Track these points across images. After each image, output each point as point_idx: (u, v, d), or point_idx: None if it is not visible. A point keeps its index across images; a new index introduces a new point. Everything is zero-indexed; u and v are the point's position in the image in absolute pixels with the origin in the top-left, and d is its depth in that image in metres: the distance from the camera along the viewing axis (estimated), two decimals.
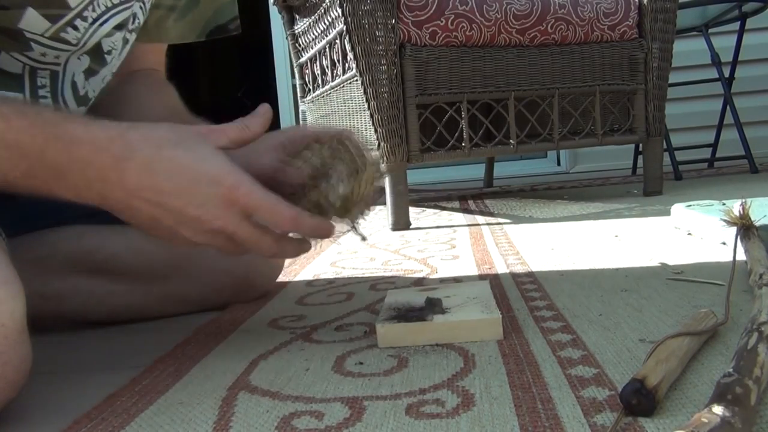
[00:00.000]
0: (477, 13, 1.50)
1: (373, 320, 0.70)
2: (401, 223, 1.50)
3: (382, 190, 0.65)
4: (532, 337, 0.62)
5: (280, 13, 2.07)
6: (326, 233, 0.60)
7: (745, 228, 0.83)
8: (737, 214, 0.85)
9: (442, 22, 1.47)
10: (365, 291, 0.88)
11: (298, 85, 2.18)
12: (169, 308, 0.82)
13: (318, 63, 1.87)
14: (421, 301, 0.68)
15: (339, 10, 1.44)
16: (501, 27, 1.53)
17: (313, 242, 0.64)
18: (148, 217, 0.56)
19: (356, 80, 1.49)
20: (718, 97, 2.42)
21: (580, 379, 0.51)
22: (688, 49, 2.48)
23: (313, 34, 1.85)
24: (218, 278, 0.83)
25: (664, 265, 0.88)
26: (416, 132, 1.48)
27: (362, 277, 0.98)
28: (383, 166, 0.63)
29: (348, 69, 1.57)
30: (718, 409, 0.38)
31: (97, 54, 0.69)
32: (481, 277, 0.91)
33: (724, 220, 0.87)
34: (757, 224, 0.83)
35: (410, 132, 1.47)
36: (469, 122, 1.53)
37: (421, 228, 1.50)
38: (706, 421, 0.37)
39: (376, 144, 1.48)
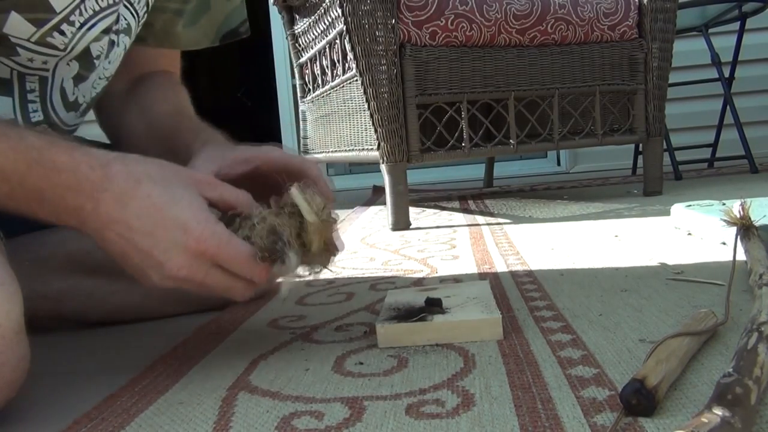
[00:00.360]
0: (477, 13, 1.50)
1: (373, 320, 0.70)
2: (401, 223, 1.50)
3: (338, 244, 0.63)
4: (532, 337, 0.62)
5: (280, 13, 2.07)
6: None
7: (745, 228, 0.83)
8: (737, 214, 0.85)
9: (442, 22, 1.47)
10: (365, 291, 0.88)
11: (298, 85, 2.18)
12: (169, 308, 0.82)
13: (318, 63, 1.87)
14: (421, 301, 0.68)
15: (339, 10, 1.44)
16: (501, 27, 1.53)
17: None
18: (119, 251, 0.55)
19: (356, 80, 1.49)
20: (718, 97, 2.42)
21: (580, 379, 0.51)
22: (688, 49, 2.48)
23: (313, 34, 1.85)
24: None
25: (663, 265, 0.88)
26: (416, 132, 1.48)
27: (362, 277, 0.98)
28: (334, 214, 0.61)
29: (348, 69, 1.57)
30: (718, 409, 0.38)
31: (86, 59, 0.68)
32: (481, 277, 0.91)
33: (724, 220, 0.87)
34: (757, 224, 0.83)
35: (410, 132, 1.47)
36: (469, 122, 1.53)
37: (421, 228, 1.50)
38: (706, 421, 0.37)
39: (377, 144, 1.48)
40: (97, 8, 0.66)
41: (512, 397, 0.48)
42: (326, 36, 1.70)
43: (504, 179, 2.79)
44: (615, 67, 1.68)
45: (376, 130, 1.47)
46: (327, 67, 1.78)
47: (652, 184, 1.78)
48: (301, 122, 2.23)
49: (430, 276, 0.95)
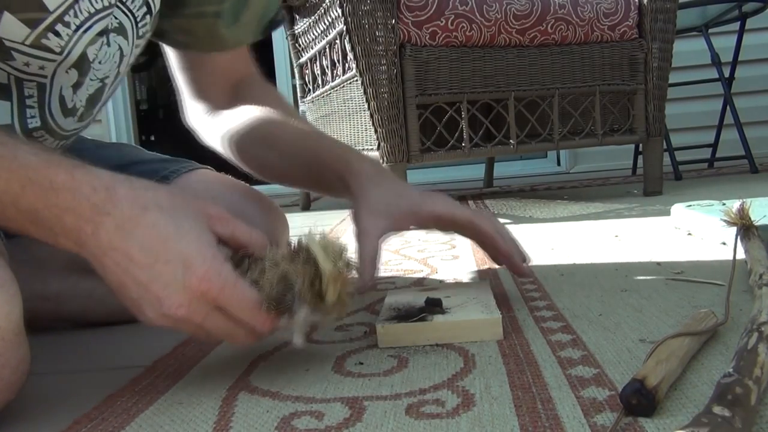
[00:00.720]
0: (477, 14, 1.50)
1: (373, 320, 0.69)
2: None
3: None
4: (532, 337, 0.62)
5: None
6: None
7: (745, 228, 0.83)
8: (737, 214, 0.85)
9: (442, 22, 1.47)
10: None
11: (298, 85, 2.18)
12: None
13: (318, 63, 1.87)
14: (420, 301, 0.68)
15: (339, 11, 1.44)
16: (501, 27, 1.53)
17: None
18: (116, 281, 0.51)
19: (356, 80, 1.49)
20: (718, 97, 2.42)
21: (580, 379, 0.51)
22: (688, 49, 2.48)
23: (313, 34, 1.85)
24: None
25: (663, 266, 0.88)
26: (416, 132, 1.48)
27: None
28: (352, 262, 0.57)
29: (348, 69, 1.57)
30: (718, 409, 0.38)
31: (84, 65, 0.68)
32: (481, 277, 0.91)
33: (724, 220, 0.87)
34: (757, 224, 0.83)
35: (410, 132, 1.47)
36: (469, 122, 1.53)
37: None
38: (706, 421, 0.37)
39: (377, 144, 1.48)
40: (92, 10, 0.64)
41: (512, 397, 0.48)
42: (326, 36, 1.70)
43: (504, 179, 2.79)
44: (615, 67, 1.68)
45: (376, 130, 1.47)
46: (327, 67, 1.78)
47: (652, 184, 1.78)
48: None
49: (430, 276, 0.95)
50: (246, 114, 0.83)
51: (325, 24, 1.68)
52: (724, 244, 0.99)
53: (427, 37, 1.47)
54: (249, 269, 0.53)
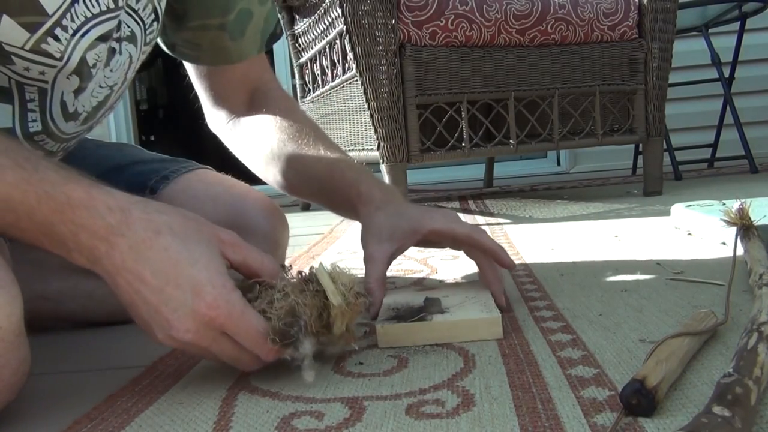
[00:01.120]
0: (477, 14, 1.50)
1: (372, 321, 0.70)
2: None
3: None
4: (532, 337, 0.62)
5: (280, 13, 2.07)
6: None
7: (745, 228, 0.83)
8: (737, 214, 0.85)
9: (442, 22, 1.47)
10: None
11: (298, 86, 2.18)
12: None
13: (318, 63, 1.87)
14: (420, 301, 0.68)
15: (339, 11, 1.44)
16: (501, 27, 1.53)
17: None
18: (128, 300, 0.52)
19: (356, 80, 1.49)
20: (718, 97, 2.42)
21: (580, 379, 0.51)
22: (688, 49, 2.48)
23: (313, 34, 1.85)
24: None
25: (663, 266, 0.88)
26: (416, 132, 1.48)
27: (362, 278, 0.98)
28: (362, 297, 0.57)
29: (348, 69, 1.57)
30: (718, 409, 0.38)
31: (84, 70, 0.67)
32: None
33: (724, 220, 0.87)
34: (757, 224, 0.83)
35: (410, 132, 1.48)
36: (469, 122, 1.53)
37: None
38: (706, 421, 0.37)
39: (377, 144, 1.48)
40: (88, 14, 0.64)
41: (512, 397, 0.48)
42: (326, 36, 1.70)
43: (504, 179, 2.79)
44: (615, 67, 1.68)
45: (376, 130, 1.47)
46: (327, 67, 1.78)
47: (652, 184, 1.78)
48: None
49: (430, 276, 0.95)
50: (262, 128, 0.85)
51: (325, 24, 1.69)
52: (724, 244, 0.99)
53: (427, 37, 1.47)
54: (259, 297, 0.54)
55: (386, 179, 1.49)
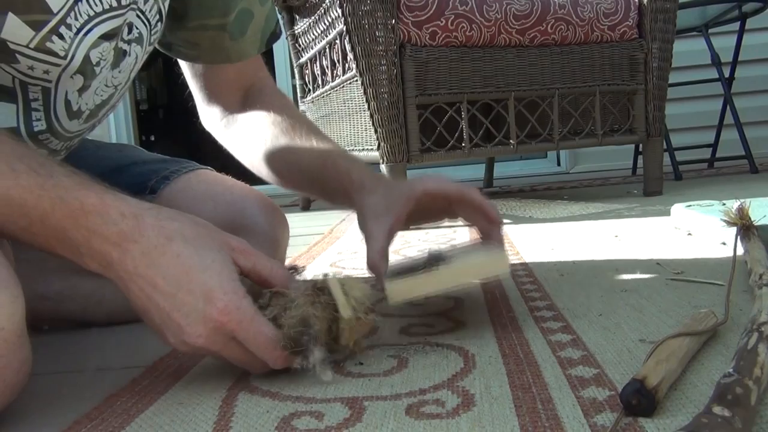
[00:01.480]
0: (477, 14, 1.50)
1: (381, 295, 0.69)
2: None
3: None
4: (532, 337, 0.62)
5: (280, 13, 2.07)
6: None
7: (745, 228, 0.83)
8: (737, 214, 0.85)
9: (442, 22, 1.47)
10: None
11: (298, 86, 2.18)
12: None
13: (318, 63, 1.87)
14: (424, 257, 0.67)
15: (339, 11, 1.44)
16: (501, 27, 1.53)
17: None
18: (141, 305, 0.53)
19: (356, 80, 1.49)
20: (718, 97, 2.43)
21: (580, 379, 0.51)
22: (688, 49, 2.48)
23: (313, 34, 1.85)
24: None
25: (663, 266, 0.88)
26: (416, 132, 1.48)
27: (362, 278, 0.98)
28: (371, 314, 0.57)
29: (348, 69, 1.57)
30: (718, 409, 0.38)
31: (88, 69, 0.68)
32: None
33: (724, 220, 0.87)
34: (757, 224, 0.83)
35: (410, 132, 1.48)
36: (469, 122, 1.53)
37: (421, 228, 1.50)
38: (706, 421, 0.37)
39: (377, 144, 1.48)
40: (91, 13, 0.64)
41: (512, 398, 0.48)
42: (326, 36, 1.70)
43: (504, 179, 2.79)
44: (615, 67, 1.68)
45: (376, 131, 1.47)
46: (327, 67, 1.78)
47: (652, 184, 1.78)
48: None
49: None
50: (256, 123, 0.85)
51: (325, 24, 1.69)
52: (724, 244, 0.99)
53: (427, 37, 1.47)
54: (269, 304, 0.55)
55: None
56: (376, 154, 1.50)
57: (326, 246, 1.34)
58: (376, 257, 0.67)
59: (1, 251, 0.53)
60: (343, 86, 1.67)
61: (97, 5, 0.64)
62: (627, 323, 0.64)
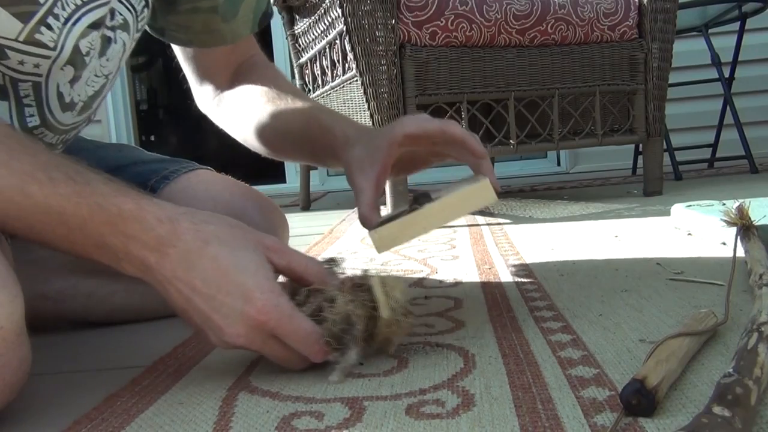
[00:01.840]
0: (477, 14, 1.50)
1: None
2: None
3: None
4: (532, 337, 0.62)
5: (280, 13, 2.08)
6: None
7: (745, 228, 0.83)
8: (737, 214, 0.85)
9: (442, 22, 1.47)
10: None
11: (298, 86, 2.18)
12: (169, 309, 0.82)
13: (318, 63, 1.87)
14: (410, 200, 0.67)
15: (339, 11, 1.44)
16: (501, 27, 1.53)
17: None
18: (180, 307, 0.55)
19: (356, 80, 1.49)
20: (718, 97, 2.43)
21: (580, 379, 0.51)
22: (688, 49, 2.48)
23: (313, 34, 1.85)
24: None
25: (663, 266, 0.88)
26: None
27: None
28: (408, 316, 0.58)
29: (348, 69, 1.57)
30: (718, 409, 0.38)
31: (78, 59, 0.68)
32: (481, 278, 0.91)
33: (724, 220, 0.87)
34: (757, 224, 0.83)
35: None
36: (469, 122, 1.53)
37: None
38: (706, 421, 0.37)
39: None
40: (78, 2, 0.64)
41: (512, 398, 0.48)
42: (326, 36, 1.70)
43: (504, 179, 2.79)
44: (615, 67, 1.68)
45: None
46: (327, 67, 1.78)
47: (652, 184, 1.78)
48: None
49: (430, 276, 0.95)
50: (245, 97, 0.85)
51: (325, 24, 1.69)
52: (724, 244, 0.99)
53: (427, 38, 1.47)
54: (306, 301, 0.56)
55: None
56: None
57: (326, 246, 1.34)
58: (366, 210, 0.67)
59: (1, 251, 0.53)
60: (343, 86, 1.67)
61: None
62: (627, 323, 0.64)
